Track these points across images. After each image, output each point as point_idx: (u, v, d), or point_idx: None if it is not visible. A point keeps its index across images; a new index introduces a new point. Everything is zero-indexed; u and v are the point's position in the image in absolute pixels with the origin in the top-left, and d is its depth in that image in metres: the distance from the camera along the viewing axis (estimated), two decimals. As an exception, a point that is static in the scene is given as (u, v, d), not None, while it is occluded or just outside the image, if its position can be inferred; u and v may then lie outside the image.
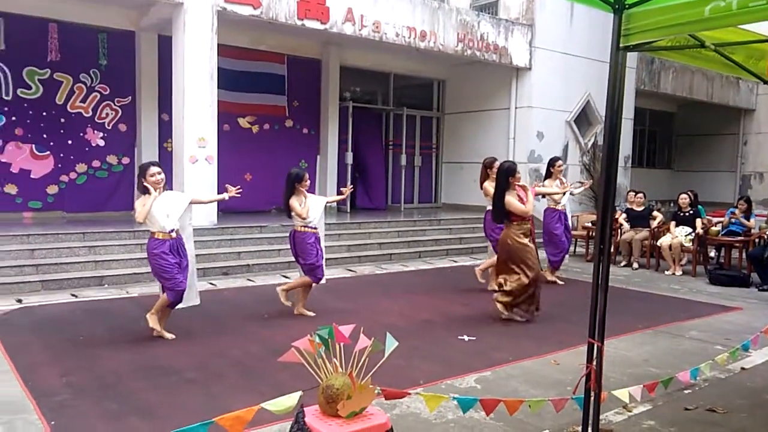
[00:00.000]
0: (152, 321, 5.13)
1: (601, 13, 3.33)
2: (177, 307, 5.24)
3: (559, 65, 12.82)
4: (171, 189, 9.18)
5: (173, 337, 5.16)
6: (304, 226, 5.96)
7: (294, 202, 5.87)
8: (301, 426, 2.36)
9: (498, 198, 5.95)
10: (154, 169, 5.03)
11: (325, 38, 11.34)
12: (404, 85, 14.13)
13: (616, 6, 2.96)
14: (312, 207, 5.96)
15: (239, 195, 5.60)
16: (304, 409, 2.43)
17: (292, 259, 8.95)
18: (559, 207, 8.15)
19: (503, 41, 12.12)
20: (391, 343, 2.54)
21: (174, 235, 5.06)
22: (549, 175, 8.21)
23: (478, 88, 13.48)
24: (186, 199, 5.35)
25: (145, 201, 4.96)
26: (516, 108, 12.82)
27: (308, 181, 6.01)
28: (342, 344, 2.53)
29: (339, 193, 6.48)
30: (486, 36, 11.88)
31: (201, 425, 2.19)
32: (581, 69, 13.01)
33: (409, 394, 2.80)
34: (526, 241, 5.97)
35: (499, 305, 6.06)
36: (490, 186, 6.82)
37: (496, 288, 6.11)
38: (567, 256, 8.50)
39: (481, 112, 13.52)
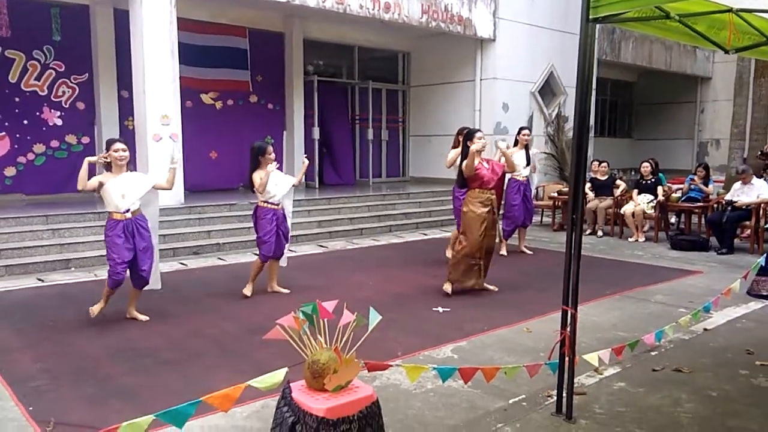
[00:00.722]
0: (97, 308, 5.01)
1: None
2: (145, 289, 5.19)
3: (522, 36, 12.86)
4: (135, 168, 9.04)
5: (147, 318, 5.11)
6: (265, 201, 5.82)
7: (256, 176, 5.72)
8: (288, 401, 2.39)
9: (460, 163, 6.00)
10: (119, 146, 4.91)
11: (287, 11, 11.13)
12: (369, 58, 14.01)
13: (586, -22, 2.99)
14: (273, 182, 5.75)
15: (174, 165, 5.13)
16: (291, 384, 2.45)
17: (263, 236, 8.96)
18: (520, 178, 8.09)
19: (467, 12, 12.08)
20: (374, 318, 2.57)
21: (129, 215, 4.92)
22: (516, 143, 8.25)
23: (443, 60, 13.45)
24: (149, 183, 5.15)
25: (100, 178, 4.87)
26: (481, 80, 12.85)
27: (272, 154, 5.78)
28: (326, 319, 2.55)
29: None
30: (450, 7, 11.82)
31: (189, 404, 2.20)
32: (544, 40, 13.09)
33: (391, 365, 2.85)
34: (482, 211, 5.83)
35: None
36: (453, 153, 6.84)
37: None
38: (529, 225, 8.50)
39: (446, 85, 13.52)
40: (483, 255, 5.97)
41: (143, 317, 5.12)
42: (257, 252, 6.02)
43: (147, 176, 5.15)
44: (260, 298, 5.89)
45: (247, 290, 5.94)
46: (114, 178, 4.88)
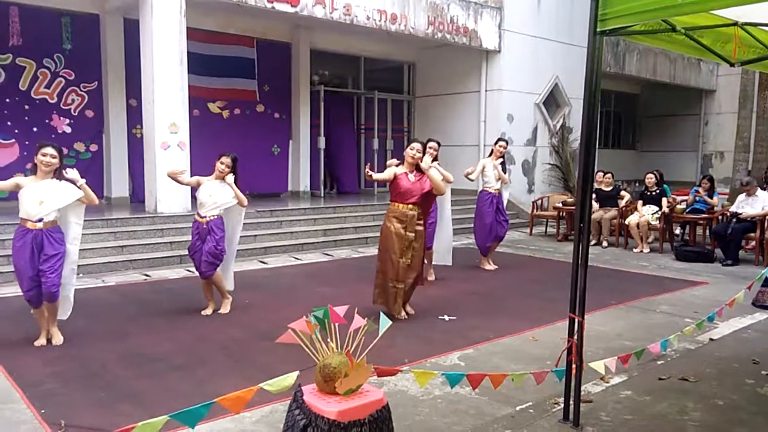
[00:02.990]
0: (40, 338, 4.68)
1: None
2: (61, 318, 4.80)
3: (527, 48, 12.95)
4: (143, 176, 9.12)
5: (61, 341, 4.67)
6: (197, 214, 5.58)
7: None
8: (300, 404, 2.42)
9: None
10: (47, 150, 4.46)
11: (294, 21, 11.24)
12: (375, 69, 14.10)
13: (593, -10, 3.05)
14: (206, 193, 5.45)
15: (82, 181, 4.62)
16: (302, 387, 2.49)
17: (269, 243, 9.00)
18: (492, 190, 7.76)
19: (473, 24, 12.18)
20: (385, 323, 2.61)
21: (40, 225, 4.43)
22: (491, 153, 7.92)
23: (449, 71, 13.54)
24: (73, 195, 4.56)
25: (18, 180, 4.57)
26: (486, 91, 12.92)
27: (222, 164, 5.44)
28: (336, 324, 2.59)
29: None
30: (456, 19, 11.92)
31: (203, 406, 2.23)
32: (549, 52, 13.18)
33: (401, 371, 2.88)
34: (396, 227, 5.27)
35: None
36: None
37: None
38: (503, 238, 8.11)
39: (452, 95, 13.60)
40: (404, 278, 5.34)
41: (57, 339, 4.68)
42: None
43: (73, 188, 4.55)
44: (266, 305, 5.93)
45: (207, 310, 5.61)
46: (34, 183, 4.49)
